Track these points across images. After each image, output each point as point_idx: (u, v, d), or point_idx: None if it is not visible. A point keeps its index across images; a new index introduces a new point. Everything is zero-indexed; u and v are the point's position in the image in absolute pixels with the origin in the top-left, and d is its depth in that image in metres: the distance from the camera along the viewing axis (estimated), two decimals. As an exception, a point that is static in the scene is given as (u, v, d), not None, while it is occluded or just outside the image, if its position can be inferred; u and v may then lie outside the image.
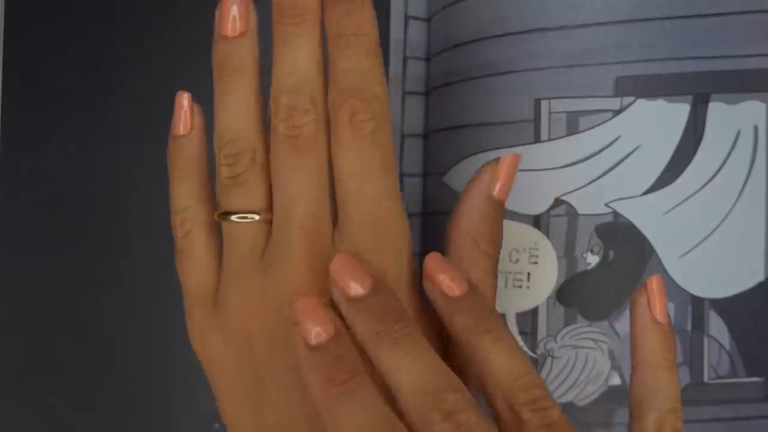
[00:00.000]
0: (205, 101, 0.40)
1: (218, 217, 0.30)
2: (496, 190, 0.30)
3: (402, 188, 0.39)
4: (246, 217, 0.29)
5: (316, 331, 0.26)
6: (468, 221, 0.30)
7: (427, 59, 0.40)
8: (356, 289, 0.26)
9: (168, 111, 0.40)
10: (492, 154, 0.38)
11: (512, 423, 0.26)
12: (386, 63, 0.40)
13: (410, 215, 0.40)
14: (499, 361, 0.26)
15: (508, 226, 0.37)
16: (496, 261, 0.31)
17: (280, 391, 0.28)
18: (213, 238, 0.31)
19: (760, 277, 0.36)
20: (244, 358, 0.28)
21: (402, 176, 0.39)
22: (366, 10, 0.29)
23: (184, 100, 0.32)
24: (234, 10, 0.30)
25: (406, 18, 0.40)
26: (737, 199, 0.36)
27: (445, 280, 0.27)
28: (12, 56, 0.41)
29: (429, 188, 0.39)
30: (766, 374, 0.37)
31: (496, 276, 0.31)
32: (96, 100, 0.40)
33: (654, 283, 0.29)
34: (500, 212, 0.31)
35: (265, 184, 0.29)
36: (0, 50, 0.41)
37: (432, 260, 0.28)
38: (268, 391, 0.28)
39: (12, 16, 0.41)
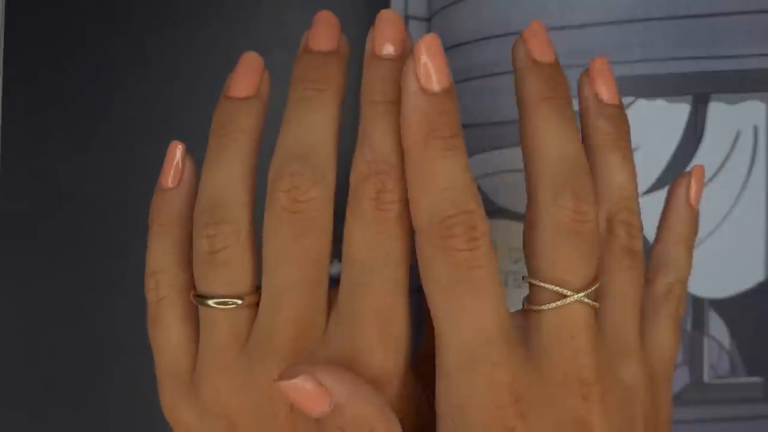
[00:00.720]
0: (205, 101, 0.40)
1: (195, 299, 0.26)
2: (692, 198, 0.29)
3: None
4: (227, 302, 0.25)
5: (431, 74, 0.24)
6: (682, 225, 0.29)
7: (427, 59, 0.40)
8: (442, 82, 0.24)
9: (168, 111, 0.41)
10: (492, 154, 0.38)
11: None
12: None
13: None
14: (619, 174, 0.26)
15: (508, 226, 0.37)
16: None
17: None
18: (190, 311, 0.27)
19: (760, 277, 0.36)
20: None
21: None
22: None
23: (177, 150, 0.28)
24: (247, 72, 0.27)
25: (406, 18, 0.40)
26: (737, 199, 0.36)
27: (601, 86, 0.27)
28: (12, 56, 0.41)
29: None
30: (766, 374, 0.37)
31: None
32: (96, 100, 0.40)
33: (697, 171, 0.29)
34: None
35: (251, 263, 0.26)
36: (0, 50, 0.41)
37: (596, 64, 0.27)
38: None
39: (12, 16, 0.41)
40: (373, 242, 0.25)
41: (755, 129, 0.36)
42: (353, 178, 0.25)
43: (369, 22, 0.40)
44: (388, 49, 0.25)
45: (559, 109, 0.25)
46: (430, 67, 0.24)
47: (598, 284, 0.25)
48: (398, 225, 0.25)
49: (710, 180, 0.36)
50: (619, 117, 0.27)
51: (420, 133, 0.24)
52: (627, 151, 0.27)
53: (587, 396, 0.24)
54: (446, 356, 0.24)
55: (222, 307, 0.25)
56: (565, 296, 0.24)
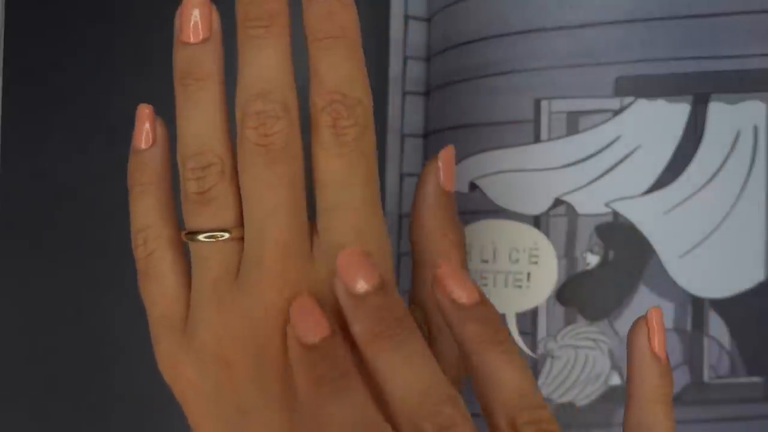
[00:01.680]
0: (205, 101, 0.41)
1: (186, 237, 0.27)
2: (442, 181, 0.30)
3: (402, 188, 0.39)
4: (216, 236, 0.27)
5: (311, 331, 0.25)
6: (432, 217, 0.30)
7: (427, 59, 0.40)
8: (362, 285, 0.25)
9: (168, 111, 0.40)
10: (492, 154, 0.38)
11: None
12: (386, 63, 0.40)
13: (410, 215, 0.40)
14: (507, 374, 0.25)
15: (508, 226, 0.37)
16: (464, 253, 0.31)
17: (264, 420, 0.26)
18: (179, 258, 0.29)
19: (760, 277, 0.36)
20: (223, 388, 0.27)
21: (402, 176, 0.39)
22: (348, 10, 0.27)
23: (145, 111, 0.29)
24: (195, 15, 0.28)
25: (406, 18, 0.40)
26: (737, 199, 0.36)
27: (455, 288, 0.26)
28: (12, 56, 0.41)
29: (429, 188, 0.40)
30: (766, 374, 0.37)
31: (467, 269, 0.31)
32: (96, 100, 0.40)
33: (654, 316, 0.28)
34: (454, 204, 0.30)
35: (235, 198, 0.28)
36: (0, 50, 0.41)
37: (444, 269, 0.27)
38: (251, 421, 0.26)
39: (12, 16, 0.41)
40: (338, 165, 0.27)
41: (755, 129, 0.36)
42: (311, 112, 0.27)
43: (367, 17, 0.40)
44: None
45: (508, 350, 0.26)
46: (302, 327, 0.26)
47: None
48: (358, 147, 0.27)
49: (710, 180, 0.37)
50: (485, 314, 0.26)
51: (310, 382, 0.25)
52: (507, 345, 0.26)
53: None
54: None
55: (212, 240, 0.27)
56: None
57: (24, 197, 0.40)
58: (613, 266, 0.37)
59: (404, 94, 0.40)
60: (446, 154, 0.30)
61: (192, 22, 0.28)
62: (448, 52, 0.39)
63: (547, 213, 0.37)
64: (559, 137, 0.37)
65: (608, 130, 0.37)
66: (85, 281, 0.40)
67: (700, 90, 0.36)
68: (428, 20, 0.40)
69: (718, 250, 0.36)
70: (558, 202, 0.37)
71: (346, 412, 0.24)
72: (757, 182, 0.36)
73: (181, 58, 0.28)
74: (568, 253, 0.37)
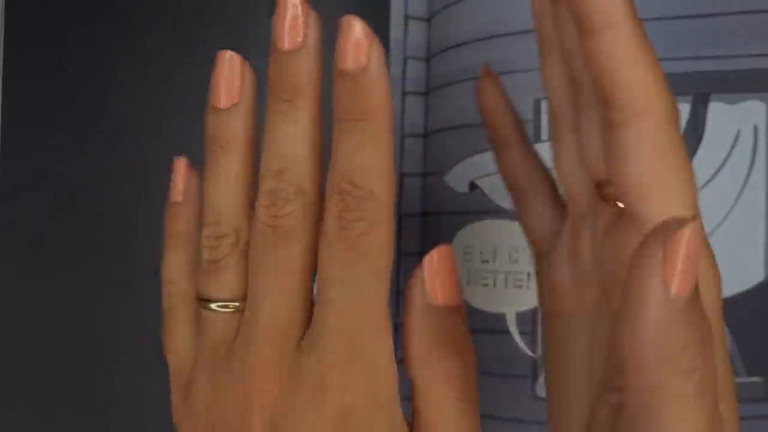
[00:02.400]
0: (205, 101, 0.40)
1: (198, 302, 0.28)
2: (439, 294, 0.25)
3: (402, 188, 0.39)
4: (225, 306, 0.27)
5: (288, 38, 0.25)
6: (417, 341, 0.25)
7: (427, 59, 0.40)
8: (351, 65, 0.25)
9: (168, 111, 0.41)
10: (492, 154, 0.38)
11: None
12: (386, 63, 0.40)
13: (410, 215, 0.40)
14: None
15: (508, 226, 0.37)
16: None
17: None
18: (197, 319, 0.29)
19: (760, 277, 0.36)
20: None
21: (402, 176, 0.39)
22: (376, 90, 0.25)
23: (180, 165, 0.29)
24: (227, 78, 0.27)
25: (406, 18, 0.40)
26: (737, 199, 0.36)
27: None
28: (12, 56, 0.41)
29: (429, 188, 0.39)
30: (766, 374, 0.37)
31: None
32: (96, 100, 0.40)
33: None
34: (460, 318, 0.26)
35: (245, 269, 0.27)
36: (0, 50, 0.41)
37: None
38: None
39: (12, 16, 0.41)
40: (336, 259, 0.25)
41: (755, 129, 0.36)
42: (326, 195, 0.26)
43: (367, 17, 0.40)
44: (355, 64, 0.25)
45: None
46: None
47: None
48: (361, 244, 0.25)
49: (710, 180, 0.36)
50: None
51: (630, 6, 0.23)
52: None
53: None
54: None
55: (221, 310, 0.27)
56: None
57: (24, 197, 0.40)
58: (613, 266, 0.37)
59: (404, 94, 0.40)
60: (442, 253, 0.25)
61: (223, 87, 0.27)
62: (448, 52, 0.39)
63: (547, 213, 0.37)
64: (559, 137, 0.37)
65: (608, 130, 0.37)
66: (85, 281, 0.40)
67: (700, 90, 0.36)
68: (428, 20, 0.40)
69: (718, 250, 0.36)
70: (558, 202, 0.37)
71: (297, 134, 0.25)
72: (757, 182, 0.36)
73: (209, 124, 0.27)
74: (568, 253, 0.37)
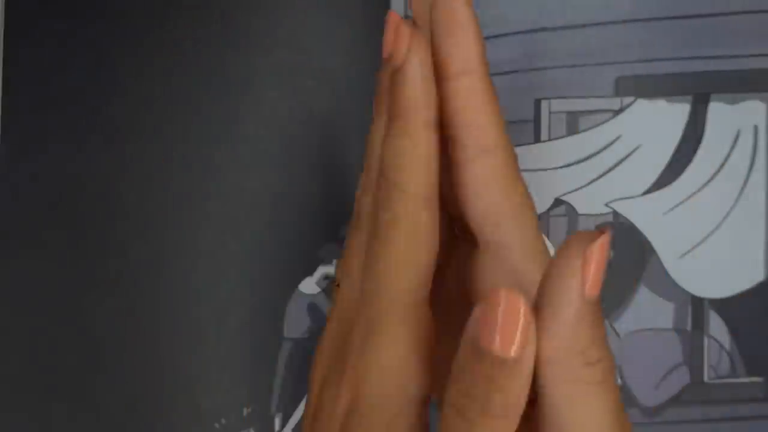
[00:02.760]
0: (205, 101, 0.40)
1: None
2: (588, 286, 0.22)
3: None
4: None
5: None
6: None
7: (427, 59, 0.40)
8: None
9: (168, 111, 0.41)
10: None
11: None
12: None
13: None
14: None
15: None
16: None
17: None
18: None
19: (760, 277, 0.36)
20: None
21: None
22: (408, 90, 0.25)
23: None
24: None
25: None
26: (737, 199, 0.36)
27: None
28: (12, 56, 0.41)
29: (429, 188, 0.39)
30: (766, 374, 0.37)
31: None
32: (96, 100, 0.40)
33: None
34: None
35: None
36: (0, 50, 0.41)
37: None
38: None
39: (12, 16, 0.41)
40: (368, 245, 0.25)
41: (755, 129, 0.36)
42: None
43: (367, 24, 0.40)
44: (393, 62, 0.26)
45: None
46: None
47: None
48: (385, 233, 0.24)
49: (710, 180, 0.37)
50: None
51: (483, 55, 0.25)
52: None
53: None
54: None
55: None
56: None
57: (24, 197, 0.40)
58: (613, 266, 0.37)
59: (404, 94, 0.40)
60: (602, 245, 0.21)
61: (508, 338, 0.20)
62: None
63: (547, 213, 0.37)
64: (559, 137, 0.37)
65: (608, 130, 0.37)
66: (85, 281, 0.40)
67: (700, 90, 0.36)
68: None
69: (718, 250, 0.36)
70: (558, 202, 0.37)
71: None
72: (757, 182, 0.36)
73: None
74: (568, 253, 0.37)
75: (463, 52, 0.25)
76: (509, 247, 0.25)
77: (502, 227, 0.25)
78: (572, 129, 0.37)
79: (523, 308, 0.19)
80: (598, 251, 0.21)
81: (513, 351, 0.19)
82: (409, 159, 0.24)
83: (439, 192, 0.25)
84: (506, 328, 0.19)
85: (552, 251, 0.37)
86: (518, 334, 0.19)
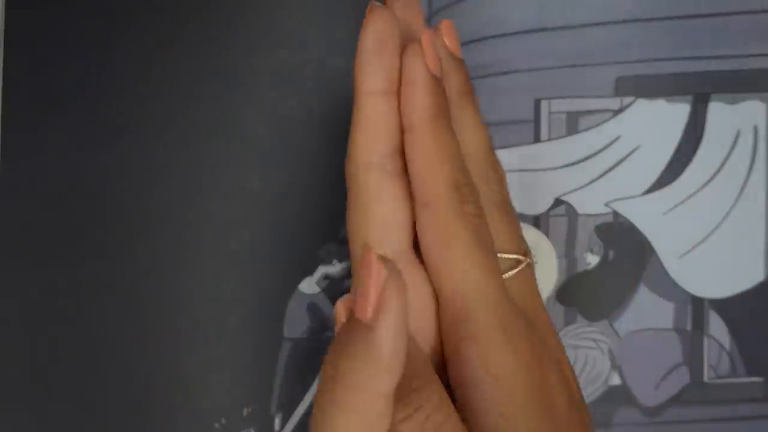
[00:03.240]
0: (205, 101, 0.40)
1: None
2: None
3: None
4: None
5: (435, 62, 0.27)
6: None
7: (427, 59, 0.40)
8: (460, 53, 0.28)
9: (168, 111, 0.40)
10: (492, 154, 0.38)
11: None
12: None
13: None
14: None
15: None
16: None
17: None
18: None
19: (760, 277, 0.36)
20: None
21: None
22: (417, 105, 0.27)
23: None
24: None
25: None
26: (737, 199, 0.36)
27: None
28: (12, 56, 0.41)
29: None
30: (766, 374, 0.37)
31: None
32: (96, 100, 0.40)
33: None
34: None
35: None
36: (0, 50, 0.41)
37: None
38: None
39: (12, 16, 0.41)
40: None
41: (755, 129, 0.36)
42: None
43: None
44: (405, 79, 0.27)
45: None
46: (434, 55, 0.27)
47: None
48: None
49: (710, 180, 0.37)
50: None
51: (432, 112, 0.26)
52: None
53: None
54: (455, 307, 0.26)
55: None
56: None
57: (24, 197, 0.40)
58: (613, 266, 0.37)
59: (404, 94, 0.40)
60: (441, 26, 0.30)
61: None
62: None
63: (547, 213, 0.37)
64: (559, 137, 0.37)
65: (608, 130, 0.37)
66: (85, 281, 0.40)
67: (700, 90, 0.36)
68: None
69: (718, 250, 0.36)
70: (558, 202, 0.37)
71: (456, 142, 0.26)
72: (757, 182, 0.36)
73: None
74: (568, 253, 0.37)
75: (409, 107, 0.26)
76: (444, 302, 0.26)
77: (437, 279, 0.26)
78: (572, 129, 0.37)
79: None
80: (430, 35, 0.27)
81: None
82: (421, 168, 0.27)
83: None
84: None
85: (553, 253, 0.37)
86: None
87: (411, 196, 0.27)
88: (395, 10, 0.28)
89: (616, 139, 0.37)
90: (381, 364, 0.21)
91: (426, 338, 0.26)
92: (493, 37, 0.38)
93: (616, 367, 0.37)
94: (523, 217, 0.37)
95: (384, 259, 0.21)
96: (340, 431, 0.22)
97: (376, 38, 0.26)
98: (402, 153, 0.27)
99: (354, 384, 0.21)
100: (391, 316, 0.21)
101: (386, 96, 0.27)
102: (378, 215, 0.26)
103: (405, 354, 0.21)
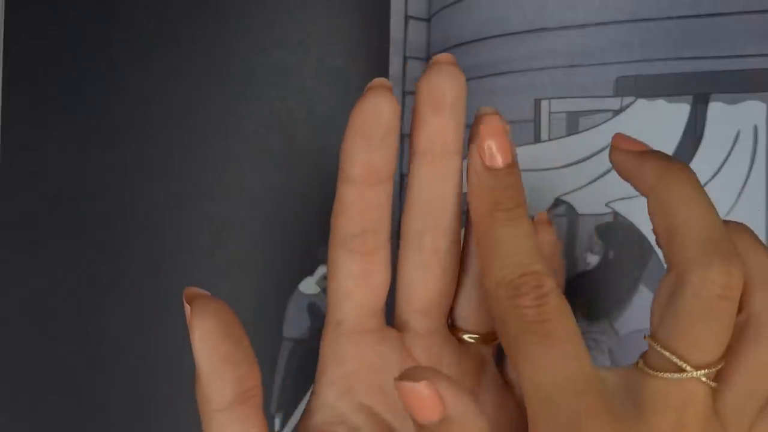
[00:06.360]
0: (205, 101, 0.40)
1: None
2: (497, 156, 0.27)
3: (402, 188, 0.39)
4: None
5: (496, 156, 0.26)
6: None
7: (428, 59, 0.40)
8: (498, 161, 0.26)
9: (168, 111, 0.41)
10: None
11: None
12: (386, 63, 0.40)
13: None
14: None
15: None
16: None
17: None
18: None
19: (760, 277, 0.36)
20: None
21: (402, 176, 0.39)
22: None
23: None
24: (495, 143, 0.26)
25: (406, 18, 0.40)
26: (737, 199, 0.36)
27: (491, 146, 0.26)
28: (12, 56, 0.41)
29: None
30: (766, 374, 0.36)
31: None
32: (96, 100, 0.40)
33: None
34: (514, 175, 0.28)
35: None
36: (0, 50, 0.41)
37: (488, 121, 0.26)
38: None
39: (12, 16, 0.41)
40: None
41: (755, 129, 0.36)
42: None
43: (367, 17, 0.40)
44: (498, 162, 0.26)
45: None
46: (493, 148, 0.26)
47: (722, 365, 0.24)
48: None
49: (710, 180, 0.36)
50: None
51: (486, 206, 0.26)
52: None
53: None
54: (530, 407, 0.24)
55: None
56: (684, 370, 0.23)
57: (24, 197, 0.40)
58: (613, 266, 0.37)
59: (404, 93, 0.40)
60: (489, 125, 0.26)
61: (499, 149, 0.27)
62: (448, 52, 0.39)
63: (547, 213, 0.37)
64: (559, 137, 0.37)
65: (608, 130, 0.37)
66: (85, 281, 0.40)
67: (700, 90, 0.36)
68: (428, 20, 0.40)
69: (718, 250, 0.36)
70: (558, 202, 0.37)
71: (517, 235, 0.26)
72: (757, 182, 0.36)
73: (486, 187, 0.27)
74: (568, 253, 0.37)
75: (468, 203, 0.27)
76: None
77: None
78: (572, 129, 0.37)
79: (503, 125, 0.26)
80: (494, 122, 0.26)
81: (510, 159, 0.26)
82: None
83: None
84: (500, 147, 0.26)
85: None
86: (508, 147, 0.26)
87: (383, 273, 0.27)
88: (434, 75, 0.26)
89: (616, 139, 0.37)
90: None
91: None
92: (493, 37, 0.38)
93: (616, 367, 0.37)
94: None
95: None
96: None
97: (368, 122, 0.25)
98: (374, 234, 0.27)
99: None
100: None
101: (364, 185, 0.26)
102: (331, 286, 0.28)
103: None
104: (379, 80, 0.26)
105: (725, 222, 0.26)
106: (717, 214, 0.25)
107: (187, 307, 0.24)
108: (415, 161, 0.27)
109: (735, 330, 0.24)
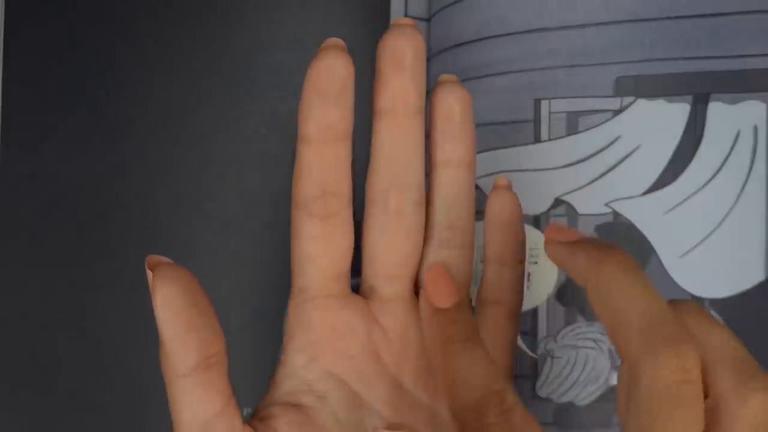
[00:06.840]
0: (205, 101, 0.41)
1: None
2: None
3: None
4: None
5: (443, 297, 0.28)
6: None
7: (427, 59, 0.40)
8: (444, 303, 0.28)
9: (168, 111, 0.40)
10: (492, 154, 0.38)
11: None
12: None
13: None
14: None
15: (508, 226, 0.37)
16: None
17: None
18: None
19: (760, 277, 0.36)
20: None
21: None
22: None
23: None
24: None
25: (407, 16, 0.40)
26: (737, 199, 0.36)
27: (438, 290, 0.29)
28: (12, 56, 0.41)
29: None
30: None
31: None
32: (96, 100, 0.40)
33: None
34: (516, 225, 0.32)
35: None
36: (0, 50, 0.41)
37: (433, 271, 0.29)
38: None
39: (12, 16, 0.41)
40: None
41: (755, 129, 0.36)
42: None
43: (367, 17, 0.40)
44: (444, 304, 0.29)
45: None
46: (440, 291, 0.28)
47: None
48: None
49: (710, 180, 0.37)
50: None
51: (440, 340, 0.28)
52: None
53: None
54: None
55: None
56: None
57: (24, 197, 0.40)
58: (613, 266, 0.37)
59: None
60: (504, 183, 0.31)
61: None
62: (448, 52, 0.39)
63: (547, 213, 0.37)
64: (559, 137, 0.37)
65: (608, 130, 0.37)
66: (85, 281, 0.40)
67: (700, 90, 0.36)
68: (428, 20, 0.40)
69: (718, 250, 0.36)
70: (558, 202, 0.37)
71: (474, 359, 0.27)
72: (757, 182, 0.36)
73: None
74: (568, 253, 0.37)
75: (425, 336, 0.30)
76: None
77: None
78: (572, 129, 0.37)
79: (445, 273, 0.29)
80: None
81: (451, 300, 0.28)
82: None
83: None
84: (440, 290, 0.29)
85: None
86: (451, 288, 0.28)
87: (345, 236, 0.28)
88: (392, 38, 0.27)
89: (616, 139, 0.37)
90: None
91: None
92: (493, 37, 0.38)
93: (616, 367, 0.37)
94: (523, 217, 0.37)
95: None
96: None
97: (322, 80, 0.26)
98: (335, 196, 0.27)
99: None
100: None
101: (322, 143, 0.26)
102: (294, 251, 0.28)
103: None
104: (332, 40, 0.26)
105: (674, 303, 0.25)
106: (658, 297, 0.24)
107: (149, 273, 0.24)
108: (378, 120, 0.27)
109: (706, 416, 0.23)
